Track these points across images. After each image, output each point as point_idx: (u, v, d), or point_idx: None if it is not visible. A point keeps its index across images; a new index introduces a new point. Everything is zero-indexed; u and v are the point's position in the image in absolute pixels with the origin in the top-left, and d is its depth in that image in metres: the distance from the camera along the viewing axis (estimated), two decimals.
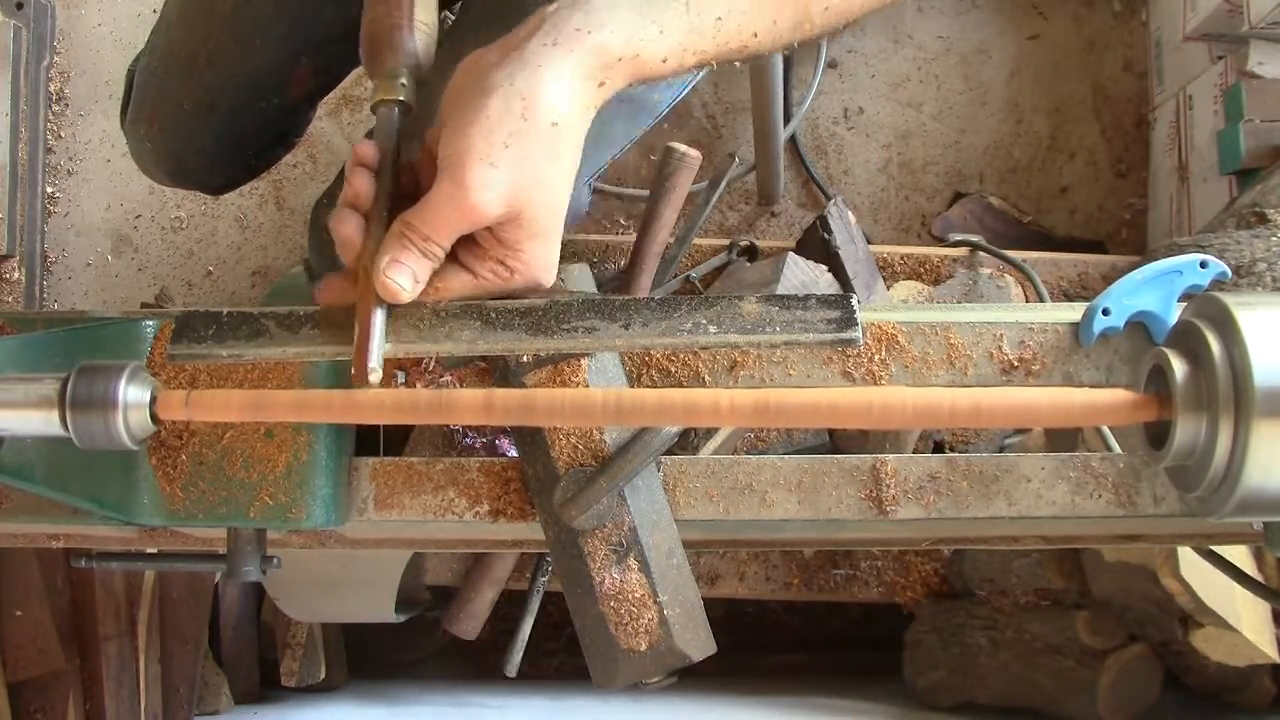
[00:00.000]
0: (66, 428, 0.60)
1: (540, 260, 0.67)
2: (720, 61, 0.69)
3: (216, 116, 1.11)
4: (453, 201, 0.62)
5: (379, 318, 0.65)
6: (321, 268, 1.08)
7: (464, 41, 0.97)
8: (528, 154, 0.63)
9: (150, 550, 0.90)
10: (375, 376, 0.63)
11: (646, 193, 1.30)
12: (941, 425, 0.90)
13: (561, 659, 1.84)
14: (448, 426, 1.29)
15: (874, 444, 1.06)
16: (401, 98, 0.72)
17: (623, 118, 1.00)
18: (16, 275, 1.82)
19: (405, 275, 0.64)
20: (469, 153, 0.62)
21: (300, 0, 1.05)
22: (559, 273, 0.73)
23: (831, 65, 1.93)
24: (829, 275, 1.19)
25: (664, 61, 0.65)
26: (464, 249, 0.66)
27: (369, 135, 0.73)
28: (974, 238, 1.53)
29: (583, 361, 0.76)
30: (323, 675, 1.64)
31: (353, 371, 0.63)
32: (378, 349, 0.64)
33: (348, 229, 0.67)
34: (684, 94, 1.03)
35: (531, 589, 1.52)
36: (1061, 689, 1.41)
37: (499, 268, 0.66)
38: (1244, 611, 1.32)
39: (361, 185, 0.68)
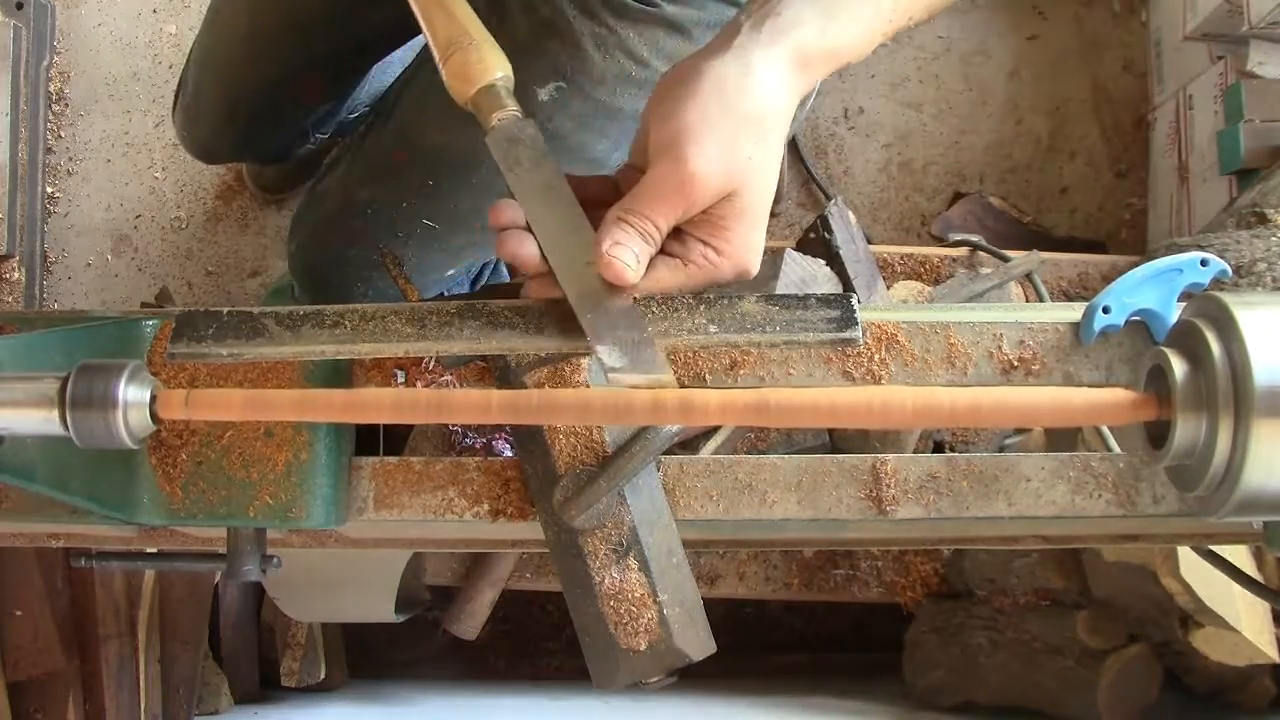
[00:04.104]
0: (66, 427, 0.60)
1: (749, 243, 0.67)
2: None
3: (238, 117, 1.25)
4: (672, 179, 0.63)
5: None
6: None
7: None
8: (738, 134, 0.64)
9: (150, 550, 0.90)
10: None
11: None
12: (941, 425, 0.90)
13: (561, 659, 1.84)
14: (447, 426, 1.29)
15: (874, 444, 1.06)
16: (515, 112, 0.71)
17: (628, 120, 1.00)
18: (16, 275, 1.82)
19: (629, 254, 0.64)
20: (683, 132, 0.63)
21: (307, 19, 1.14)
22: None
23: None
24: (827, 268, 1.19)
25: (855, 49, 0.69)
26: (672, 240, 0.67)
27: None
28: (974, 238, 1.53)
29: (583, 361, 0.75)
30: (323, 675, 1.64)
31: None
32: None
33: (524, 250, 0.67)
34: None
35: None
36: (1061, 689, 1.41)
37: (709, 251, 0.67)
38: (1244, 611, 1.32)
39: (523, 252, 0.67)
